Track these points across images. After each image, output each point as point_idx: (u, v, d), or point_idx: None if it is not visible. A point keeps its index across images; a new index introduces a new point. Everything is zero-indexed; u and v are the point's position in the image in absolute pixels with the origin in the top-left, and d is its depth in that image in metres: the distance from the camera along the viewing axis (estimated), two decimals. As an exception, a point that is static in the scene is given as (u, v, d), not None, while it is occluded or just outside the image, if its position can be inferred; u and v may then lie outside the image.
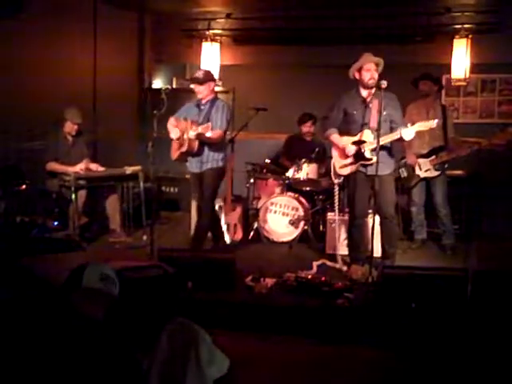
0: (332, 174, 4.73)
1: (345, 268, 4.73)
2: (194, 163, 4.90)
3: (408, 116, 5.24)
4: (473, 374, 2.93)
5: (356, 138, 4.44)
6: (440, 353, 3.15)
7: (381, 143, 4.27)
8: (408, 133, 4.24)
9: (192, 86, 4.90)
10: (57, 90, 5.72)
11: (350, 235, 4.74)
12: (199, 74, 4.82)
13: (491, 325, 3.35)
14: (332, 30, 6.80)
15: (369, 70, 4.36)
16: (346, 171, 4.55)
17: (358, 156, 4.41)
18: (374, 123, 4.35)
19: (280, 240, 5.66)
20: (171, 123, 4.88)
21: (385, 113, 4.35)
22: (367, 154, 4.36)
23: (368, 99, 4.43)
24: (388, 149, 4.46)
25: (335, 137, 4.56)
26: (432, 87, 5.41)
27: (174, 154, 4.91)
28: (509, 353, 3.09)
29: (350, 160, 4.49)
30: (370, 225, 4.62)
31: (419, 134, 5.01)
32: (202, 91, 4.81)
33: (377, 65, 4.38)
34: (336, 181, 4.73)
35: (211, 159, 4.85)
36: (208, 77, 4.83)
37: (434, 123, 4.26)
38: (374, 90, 4.42)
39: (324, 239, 5.41)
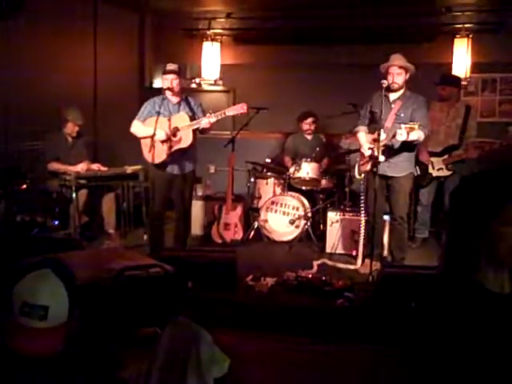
0: (356, 169, 4.78)
1: (351, 267, 4.76)
2: (178, 164, 4.68)
3: (430, 113, 5.27)
4: (473, 373, 2.93)
5: (373, 137, 4.45)
6: (440, 352, 3.14)
7: (382, 144, 4.29)
8: (398, 137, 4.14)
9: (167, 77, 4.58)
10: (57, 89, 5.71)
11: (366, 232, 4.78)
12: (173, 67, 4.60)
13: (492, 324, 3.34)
14: (332, 29, 6.80)
15: (391, 73, 4.32)
16: (364, 168, 4.62)
17: (371, 155, 4.44)
18: (388, 123, 4.37)
19: (280, 239, 5.66)
20: (152, 123, 4.50)
21: (402, 115, 4.36)
22: (376, 154, 4.33)
23: (392, 99, 4.40)
24: (402, 151, 4.41)
25: (360, 134, 4.65)
26: (451, 90, 5.38)
27: (160, 156, 4.52)
28: (509, 352, 3.08)
29: (366, 158, 4.54)
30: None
31: (434, 131, 5.09)
32: (178, 84, 4.62)
33: (402, 68, 4.32)
34: (359, 177, 4.76)
35: (193, 159, 4.79)
36: (180, 70, 4.67)
37: (415, 126, 4.07)
38: (401, 91, 4.42)
39: (324, 238, 5.42)
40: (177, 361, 2.26)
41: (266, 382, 2.87)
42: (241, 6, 6.83)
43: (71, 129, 5.44)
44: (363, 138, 4.60)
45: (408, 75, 4.37)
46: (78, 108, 5.47)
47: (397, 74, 4.31)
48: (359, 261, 4.81)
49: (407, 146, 4.38)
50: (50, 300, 1.60)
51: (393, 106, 4.40)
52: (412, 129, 4.06)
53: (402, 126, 4.12)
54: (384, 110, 4.36)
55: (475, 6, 6.31)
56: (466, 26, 6.36)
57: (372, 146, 4.42)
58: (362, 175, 4.66)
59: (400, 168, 4.45)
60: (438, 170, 5.29)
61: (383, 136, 4.30)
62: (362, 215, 4.78)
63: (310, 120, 6.20)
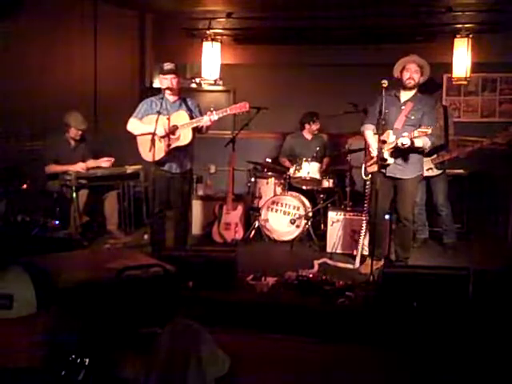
0: (362, 170, 4.70)
1: (352, 266, 4.79)
2: (176, 162, 4.67)
3: None
4: (474, 373, 2.93)
5: (381, 138, 4.30)
6: (441, 352, 3.14)
7: (390, 147, 4.27)
8: (404, 141, 4.15)
9: (166, 77, 4.55)
10: (57, 89, 5.71)
11: (370, 232, 4.72)
12: (172, 66, 4.56)
13: (493, 324, 3.34)
14: (332, 29, 6.79)
15: (409, 70, 4.30)
16: (371, 169, 4.52)
17: (379, 156, 4.30)
18: (398, 125, 4.31)
19: (281, 239, 5.66)
20: (150, 121, 4.52)
21: (413, 117, 4.31)
22: (385, 155, 4.29)
23: (402, 100, 4.37)
24: (410, 154, 4.35)
25: (367, 133, 4.53)
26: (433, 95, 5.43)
27: (158, 154, 4.48)
28: (510, 352, 3.08)
29: (374, 159, 4.42)
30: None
31: None
32: (177, 83, 4.60)
33: (420, 66, 4.31)
34: (365, 177, 4.66)
35: (191, 158, 4.77)
36: (177, 68, 4.63)
37: (429, 130, 4.11)
38: (413, 93, 4.37)
39: (325, 238, 5.42)
40: (177, 360, 2.26)
41: (266, 382, 2.87)
42: (241, 5, 6.82)
43: (74, 133, 5.43)
44: (371, 137, 4.47)
45: (423, 78, 4.34)
46: (79, 112, 5.44)
47: (414, 71, 4.29)
48: (357, 260, 4.81)
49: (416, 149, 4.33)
50: (14, 289, 1.65)
51: (403, 107, 4.32)
52: (423, 133, 4.05)
53: (405, 134, 4.12)
54: (394, 111, 4.31)
55: (475, 6, 6.29)
56: (466, 26, 6.36)
57: (377, 146, 4.30)
58: (369, 176, 4.58)
59: (409, 170, 4.39)
60: (428, 169, 5.30)
61: (392, 138, 4.25)
62: (365, 216, 4.77)
63: (315, 120, 6.21)
